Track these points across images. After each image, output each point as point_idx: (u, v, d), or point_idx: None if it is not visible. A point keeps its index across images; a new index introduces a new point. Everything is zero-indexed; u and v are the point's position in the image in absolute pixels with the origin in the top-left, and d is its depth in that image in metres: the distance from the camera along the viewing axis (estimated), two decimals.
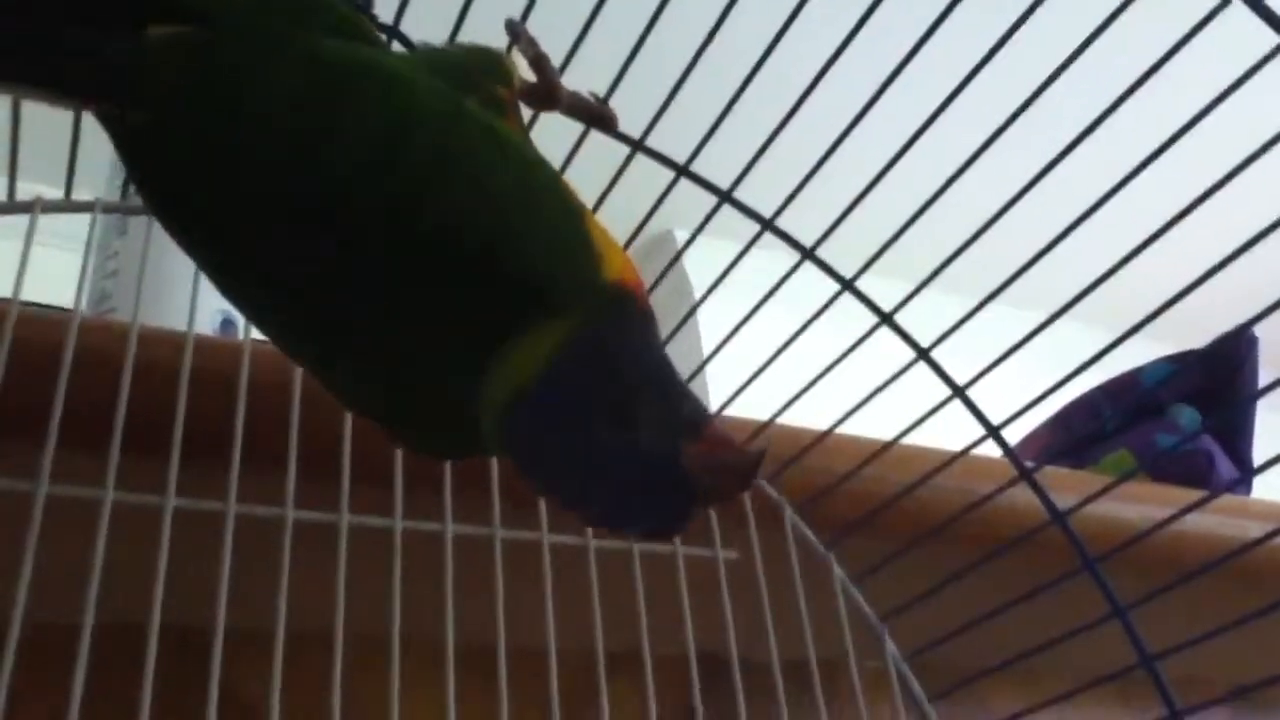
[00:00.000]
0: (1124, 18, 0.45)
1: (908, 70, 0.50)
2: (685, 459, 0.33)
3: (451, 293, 0.35)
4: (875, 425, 0.59)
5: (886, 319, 0.56)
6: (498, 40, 0.46)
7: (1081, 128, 0.47)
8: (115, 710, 0.42)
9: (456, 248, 0.34)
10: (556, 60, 0.48)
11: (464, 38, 0.47)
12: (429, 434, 0.39)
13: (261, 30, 0.35)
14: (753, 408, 0.60)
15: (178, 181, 0.35)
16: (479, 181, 0.35)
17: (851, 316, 0.58)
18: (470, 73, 0.40)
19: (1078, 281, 0.49)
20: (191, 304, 0.51)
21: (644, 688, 0.49)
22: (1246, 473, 0.93)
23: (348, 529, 0.47)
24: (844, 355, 0.56)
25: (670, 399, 0.35)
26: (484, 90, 0.40)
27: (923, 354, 0.55)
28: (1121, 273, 0.48)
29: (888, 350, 0.58)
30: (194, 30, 0.34)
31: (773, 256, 0.61)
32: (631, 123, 0.54)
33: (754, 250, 0.56)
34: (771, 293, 0.58)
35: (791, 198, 0.56)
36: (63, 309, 0.51)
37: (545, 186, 0.37)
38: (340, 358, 0.37)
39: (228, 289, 0.38)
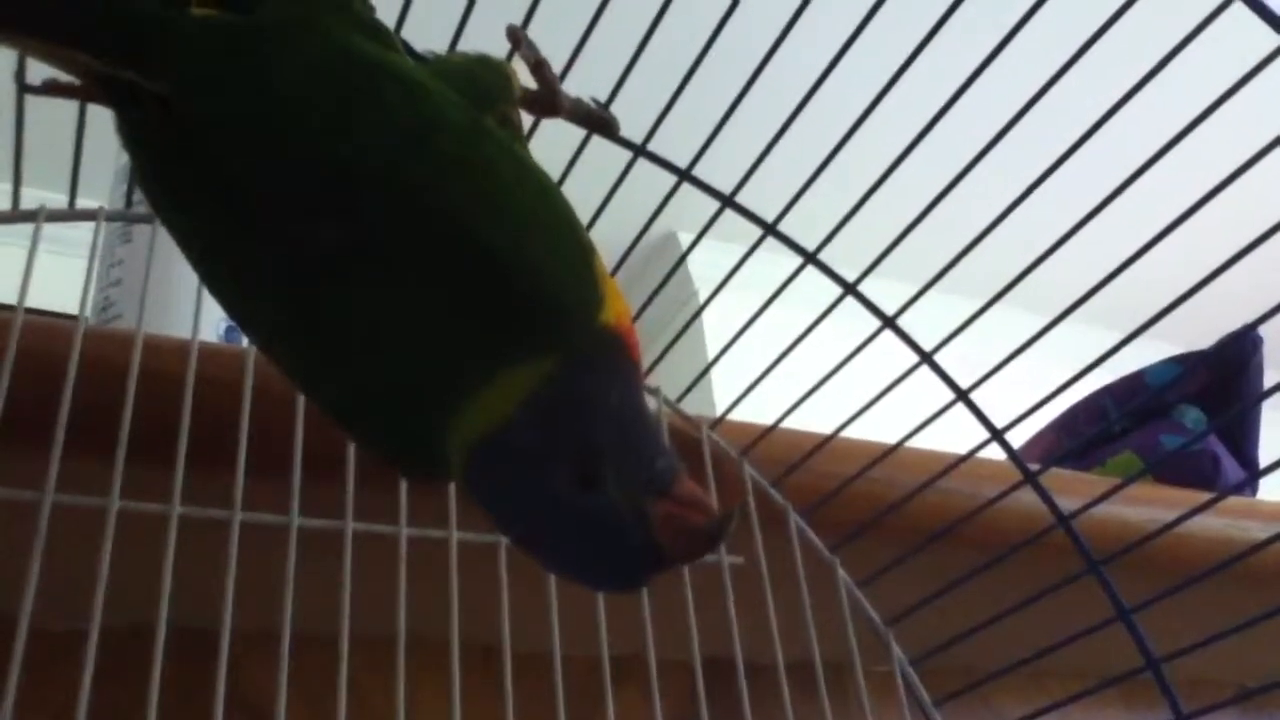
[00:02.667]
0: (1124, 20, 0.45)
1: (909, 74, 0.50)
2: (651, 520, 0.32)
3: (448, 304, 0.34)
4: (879, 429, 0.59)
5: (889, 323, 0.56)
6: (497, 46, 0.46)
7: (1084, 130, 0.47)
8: (124, 713, 0.42)
9: (463, 257, 0.34)
10: (557, 66, 0.48)
11: (464, 42, 0.47)
12: (402, 452, 0.37)
13: (297, 21, 0.36)
14: (757, 411, 0.60)
15: (188, 164, 0.35)
16: (495, 195, 0.35)
17: (855, 320, 0.58)
18: (487, 91, 0.40)
19: (1081, 284, 0.49)
20: (196, 311, 0.51)
21: (649, 692, 0.49)
22: (1253, 474, 0.92)
23: (353, 535, 0.47)
24: (847, 359, 0.55)
25: (643, 455, 0.34)
26: (498, 110, 0.40)
27: (926, 357, 0.55)
28: (1125, 274, 0.48)
29: (891, 354, 0.58)
30: (235, 15, 0.35)
31: (776, 260, 0.61)
32: (633, 128, 0.54)
33: (758, 253, 0.56)
34: (774, 297, 0.58)
35: (794, 202, 0.56)
36: (67, 316, 0.51)
37: (559, 215, 0.37)
38: (324, 363, 0.36)
39: (221, 287, 0.37)
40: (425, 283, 0.34)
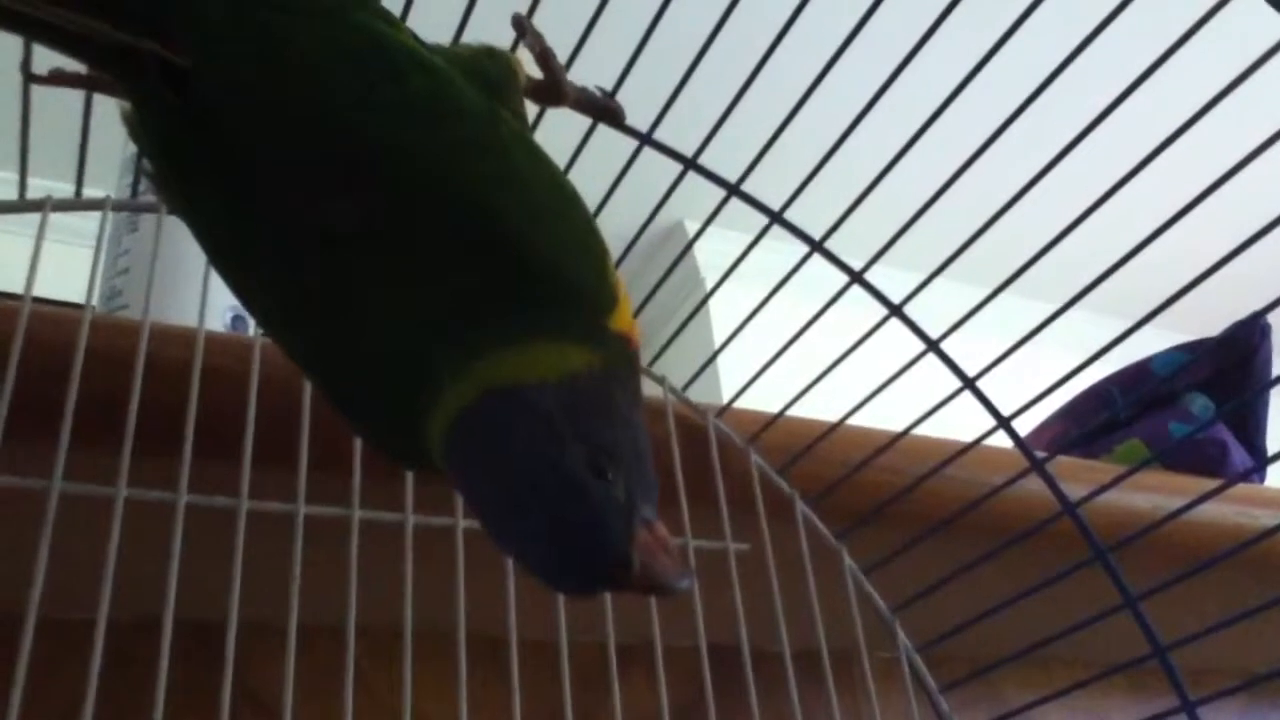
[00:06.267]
0: (1131, 8, 0.45)
1: (916, 61, 0.50)
2: (635, 535, 0.32)
3: (461, 282, 0.34)
4: (886, 417, 0.59)
5: (896, 310, 0.56)
6: (502, 36, 0.46)
7: (1091, 117, 0.47)
8: (131, 702, 0.42)
9: (482, 237, 0.34)
10: (562, 55, 0.48)
11: (469, 33, 0.47)
12: (397, 436, 0.36)
13: (321, 2, 0.36)
14: (763, 399, 0.60)
15: (201, 143, 0.34)
16: (514, 181, 0.35)
17: (861, 308, 0.58)
18: (494, 82, 0.40)
19: (1088, 271, 0.49)
20: (202, 301, 0.51)
21: (655, 680, 0.49)
22: (1260, 461, 0.92)
23: (359, 524, 0.47)
24: (854, 347, 0.55)
25: (647, 481, 0.33)
26: (512, 104, 0.40)
27: (933, 345, 0.55)
28: (1133, 262, 0.48)
29: (898, 342, 0.58)
30: None
31: (783, 248, 0.61)
32: (639, 117, 0.54)
33: (764, 241, 0.56)
34: (781, 285, 0.58)
35: (800, 190, 0.55)
36: (74, 305, 0.51)
37: (576, 210, 0.37)
38: (329, 343, 0.36)
39: (230, 269, 0.37)
40: (438, 262, 0.34)
